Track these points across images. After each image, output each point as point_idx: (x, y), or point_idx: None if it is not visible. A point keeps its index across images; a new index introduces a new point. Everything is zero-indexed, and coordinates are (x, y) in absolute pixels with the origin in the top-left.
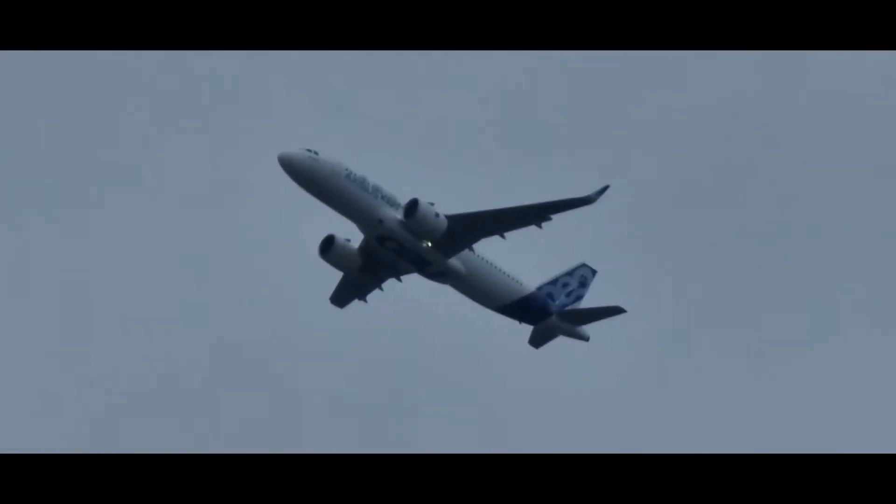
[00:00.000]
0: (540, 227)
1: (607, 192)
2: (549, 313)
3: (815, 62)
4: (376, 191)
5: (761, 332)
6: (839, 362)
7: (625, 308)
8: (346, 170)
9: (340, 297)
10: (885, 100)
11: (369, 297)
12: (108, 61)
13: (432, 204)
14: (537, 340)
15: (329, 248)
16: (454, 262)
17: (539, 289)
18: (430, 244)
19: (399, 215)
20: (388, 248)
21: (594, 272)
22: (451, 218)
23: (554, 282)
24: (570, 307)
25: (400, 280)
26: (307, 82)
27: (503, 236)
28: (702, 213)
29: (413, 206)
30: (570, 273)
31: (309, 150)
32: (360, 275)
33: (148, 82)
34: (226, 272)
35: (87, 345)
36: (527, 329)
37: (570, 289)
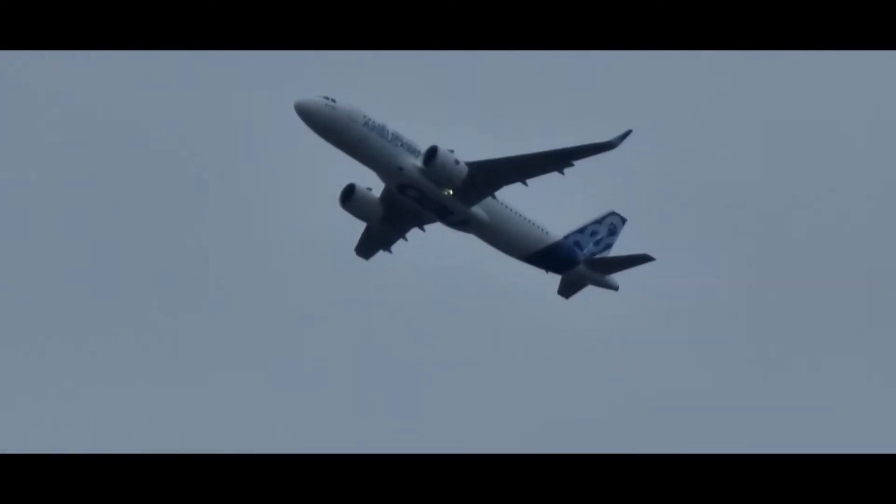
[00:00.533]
0: (562, 172)
1: (630, 138)
2: (577, 262)
3: (815, 62)
4: (396, 138)
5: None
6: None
7: (653, 256)
8: (365, 117)
9: (365, 248)
10: (885, 100)
11: (394, 247)
12: (107, 61)
13: (452, 151)
14: (566, 290)
15: (350, 196)
16: (477, 210)
17: (566, 238)
18: (451, 192)
19: (419, 163)
20: (410, 196)
21: (624, 220)
22: (471, 165)
23: (582, 230)
24: (598, 256)
25: (423, 230)
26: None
27: (525, 183)
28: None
29: (432, 152)
30: (598, 221)
31: (326, 98)
32: (382, 224)
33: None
34: (247, 224)
35: (99, 315)
36: (555, 279)
37: (598, 237)
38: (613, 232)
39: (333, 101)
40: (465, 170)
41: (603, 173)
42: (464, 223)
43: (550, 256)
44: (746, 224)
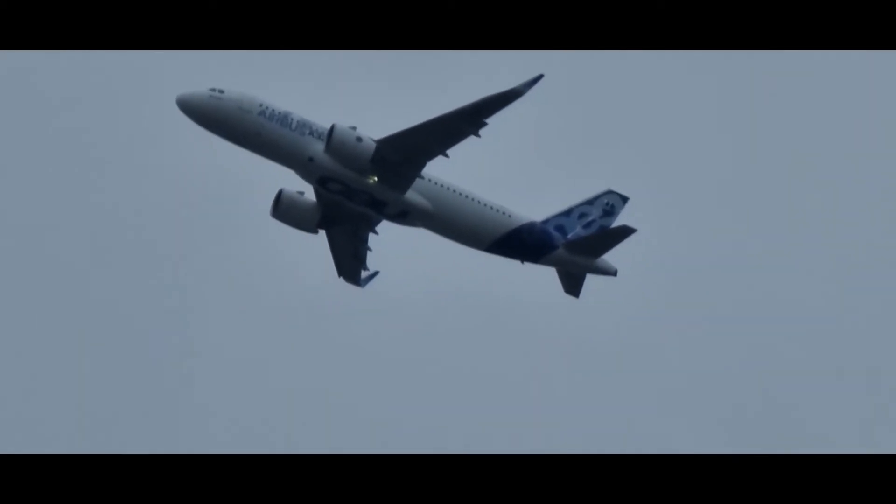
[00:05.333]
0: (478, 135)
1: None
2: (554, 247)
3: (815, 62)
4: (303, 126)
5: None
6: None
7: (633, 227)
8: (261, 105)
9: (344, 268)
10: (885, 100)
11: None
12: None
13: (354, 128)
14: (570, 286)
15: (277, 204)
16: (414, 197)
17: (545, 221)
18: (375, 179)
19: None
20: (334, 190)
21: (625, 199)
22: (379, 141)
23: (567, 213)
24: (576, 237)
25: (376, 232)
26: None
27: (446, 155)
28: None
29: (330, 132)
30: (590, 202)
31: (213, 89)
32: (328, 231)
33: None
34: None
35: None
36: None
37: (589, 219)
38: (611, 213)
39: (221, 91)
40: (371, 146)
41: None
42: (404, 215)
43: (518, 243)
44: (745, 223)
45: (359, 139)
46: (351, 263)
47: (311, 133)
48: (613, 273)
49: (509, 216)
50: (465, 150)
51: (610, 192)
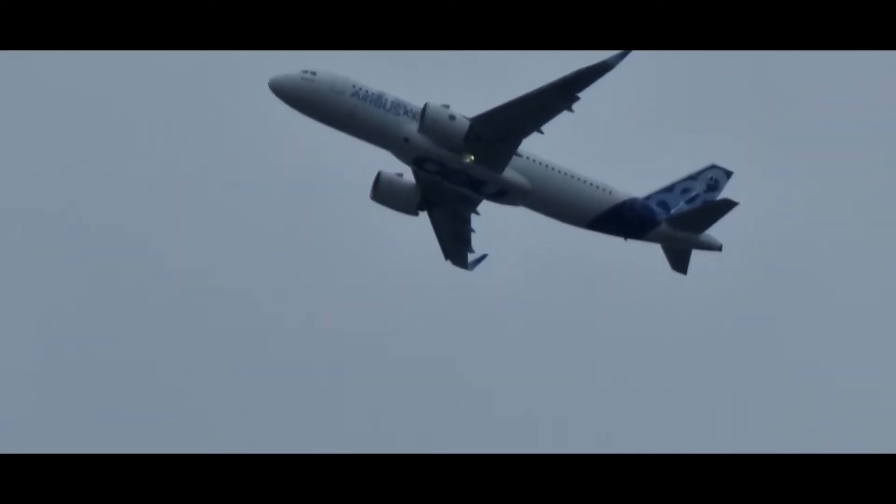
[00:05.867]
0: (571, 110)
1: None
2: (656, 223)
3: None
4: (397, 106)
5: None
6: None
7: (735, 200)
8: (354, 87)
9: (450, 251)
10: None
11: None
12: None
13: (447, 106)
14: (676, 263)
15: (376, 186)
16: (512, 175)
17: (647, 198)
18: (472, 158)
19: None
20: (431, 171)
21: (729, 174)
22: (472, 119)
23: (669, 188)
24: (678, 212)
25: (477, 213)
26: None
27: (541, 131)
28: None
29: (423, 110)
30: (693, 177)
31: (305, 71)
32: (430, 213)
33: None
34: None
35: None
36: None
37: (692, 194)
38: (714, 187)
39: (313, 73)
40: (465, 124)
41: None
42: (503, 194)
43: (619, 219)
44: (848, 201)
45: (452, 117)
46: (456, 246)
47: (405, 113)
48: (718, 248)
49: (610, 192)
50: (563, 127)
51: (714, 167)
